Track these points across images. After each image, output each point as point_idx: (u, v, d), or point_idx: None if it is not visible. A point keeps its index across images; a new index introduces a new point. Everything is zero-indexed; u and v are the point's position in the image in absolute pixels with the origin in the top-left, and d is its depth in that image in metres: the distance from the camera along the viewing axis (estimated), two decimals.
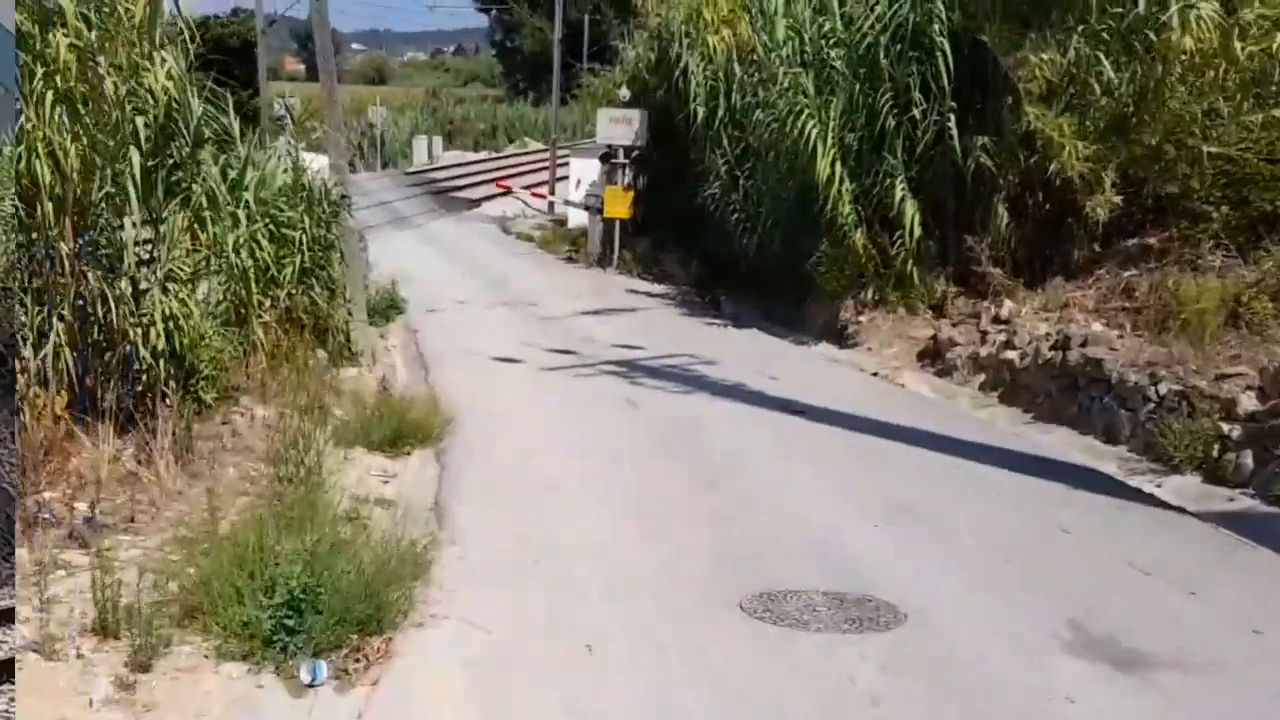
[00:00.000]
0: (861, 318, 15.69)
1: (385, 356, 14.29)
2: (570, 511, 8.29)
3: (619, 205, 23.37)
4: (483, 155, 53.74)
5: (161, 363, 8.68)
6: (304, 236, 11.48)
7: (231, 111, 11.46)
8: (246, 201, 10.77)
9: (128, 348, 8.58)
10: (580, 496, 8.69)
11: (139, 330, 8.55)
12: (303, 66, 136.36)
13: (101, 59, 7.95)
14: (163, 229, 9.12)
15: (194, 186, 9.75)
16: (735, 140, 19.89)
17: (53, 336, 7.95)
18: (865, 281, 15.93)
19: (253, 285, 10.75)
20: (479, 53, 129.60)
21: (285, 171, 12.29)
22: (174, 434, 8.14)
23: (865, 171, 15.96)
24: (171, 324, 8.81)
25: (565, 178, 34.63)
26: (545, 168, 43.41)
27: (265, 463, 8.26)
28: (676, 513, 8.26)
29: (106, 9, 8.09)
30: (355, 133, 54.27)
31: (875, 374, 13.80)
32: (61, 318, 8.09)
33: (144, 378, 8.73)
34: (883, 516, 8.13)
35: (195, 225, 9.81)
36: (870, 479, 9.25)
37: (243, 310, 10.81)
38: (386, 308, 17.26)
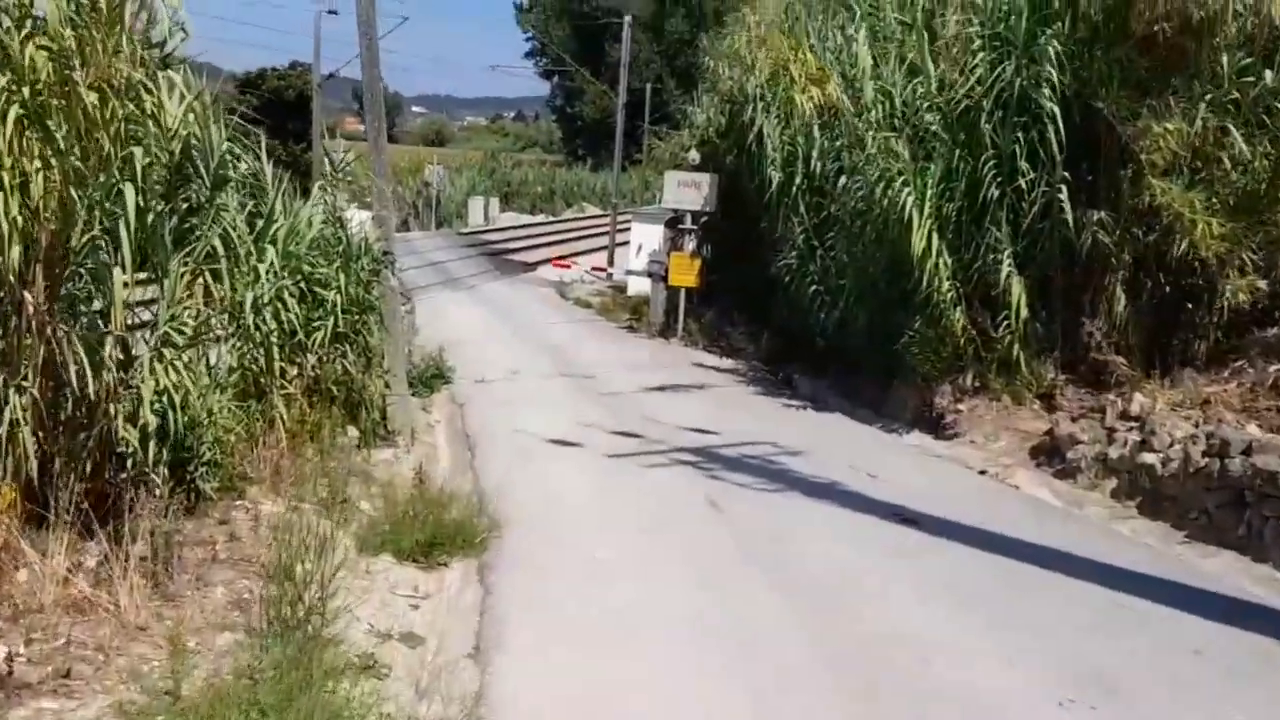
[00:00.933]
0: (961, 406, 13.80)
1: (426, 435, 12.57)
2: (651, 671, 6.31)
3: (685, 273, 21.67)
4: (540, 218, 52.40)
5: (150, 446, 6.97)
6: (339, 296, 9.78)
7: (264, 154, 9.90)
8: (272, 255, 9.11)
9: (109, 427, 6.87)
10: (666, 649, 6.65)
11: (123, 405, 6.84)
12: (362, 127, 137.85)
13: (78, 66, 6.23)
14: (166, 283, 7.45)
15: (209, 235, 8.13)
16: (814, 208, 18.20)
17: (9, 412, 6.26)
18: (964, 365, 14.07)
19: (275, 351, 9.08)
20: (538, 119, 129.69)
21: (324, 223, 10.59)
22: (153, 540, 6.41)
23: (965, 245, 14.18)
24: (167, 397, 7.10)
25: (625, 243, 33.14)
26: (604, 232, 41.98)
27: (265, 580, 6.48)
28: (793, 676, 6.32)
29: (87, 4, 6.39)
30: (410, 191, 53.31)
31: (984, 472, 11.91)
32: (22, 389, 6.39)
33: (128, 464, 7.03)
34: (1063, 689, 6.14)
35: (209, 280, 8.15)
36: (1028, 625, 7.33)
37: (262, 380, 9.15)
38: (431, 376, 15.60)
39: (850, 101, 16.36)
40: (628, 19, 34.57)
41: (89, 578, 6.03)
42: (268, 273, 8.99)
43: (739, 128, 21.33)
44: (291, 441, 9.36)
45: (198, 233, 8.16)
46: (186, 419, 7.55)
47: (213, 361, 8.53)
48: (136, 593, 5.83)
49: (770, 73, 19.72)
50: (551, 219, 52.91)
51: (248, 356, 9.03)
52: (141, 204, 7.14)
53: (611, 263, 32.19)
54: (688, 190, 21.62)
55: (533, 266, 34.11)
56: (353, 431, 10.54)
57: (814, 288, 17.48)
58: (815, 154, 18.12)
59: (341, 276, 9.82)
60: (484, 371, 17.15)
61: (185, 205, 8.16)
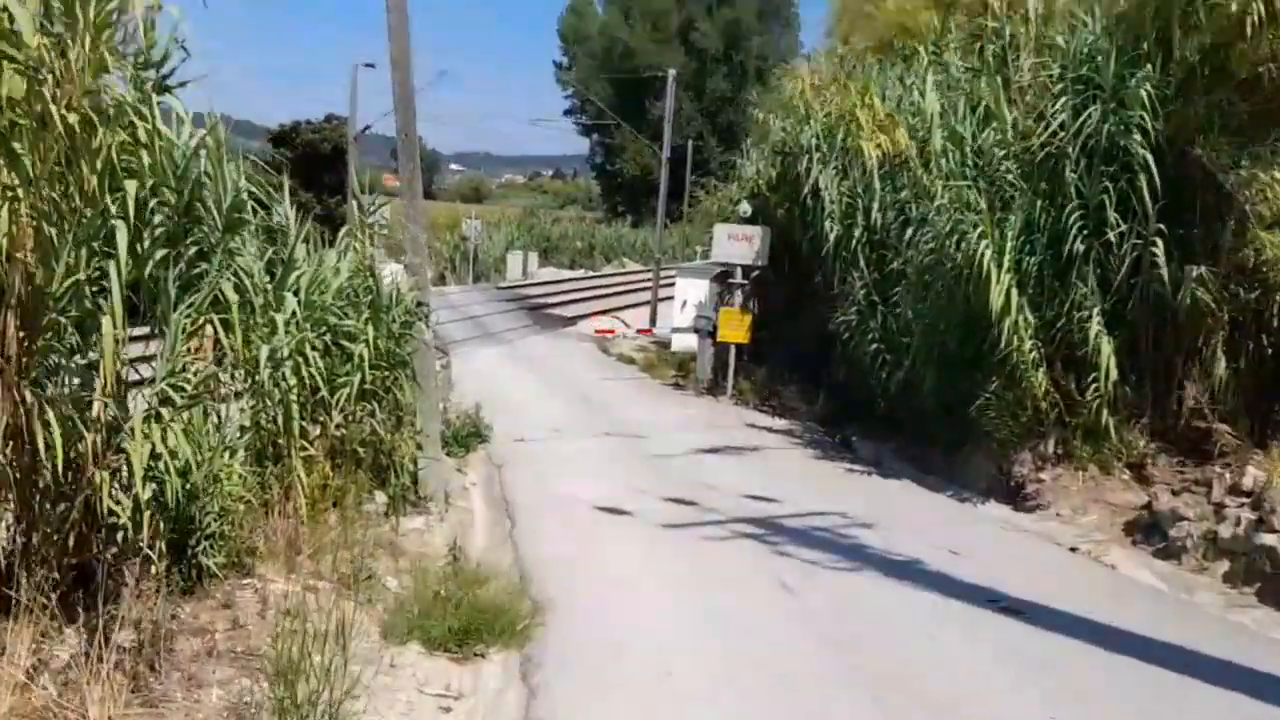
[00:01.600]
0: (1043, 475, 12.59)
1: (461, 499, 11.48)
2: None
3: (735, 329, 20.59)
4: (579, 273, 51.55)
5: (145, 518, 5.94)
6: (367, 350, 8.75)
7: (295, 205, 8.97)
8: (292, 305, 8.13)
9: (96, 496, 5.84)
10: None
11: (113, 472, 5.84)
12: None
13: (51, 83, 5.21)
14: (167, 334, 6.47)
15: (220, 281, 7.16)
16: (875, 263, 17.17)
17: None
18: (1045, 431, 12.89)
19: (294, 410, 8.06)
20: (577, 176, 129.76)
21: (353, 273, 9.58)
22: (139, 630, 5.36)
23: (1047, 302, 13.05)
24: (164, 463, 6.08)
25: (668, 299, 32.14)
26: (645, 288, 40.99)
27: (271, 680, 5.40)
28: None
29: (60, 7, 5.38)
30: (448, 246, 52.65)
31: (1075, 549, 10.68)
32: None
33: (119, 537, 6.01)
34: None
35: (219, 331, 7.15)
36: None
37: (280, 441, 8.13)
38: (467, 435, 14.54)
39: (917, 150, 15.37)
40: (671, 71, 33.76)
41: (57, 679, 4.97)
42: (288, 324, 8.01)
43: (791, 180, 20.39)
44: (312, 509, 8.35)
45: (209, 279, 7.22)
46: (188, 487, 6.54)
47: (224, 421, 7.50)
48: (111, 700, 4.75)
49: (826, 124, 18.84)
50: (591, 274, 52.03)
51: (264, 415, 8.02)
52: (139, 246, 6.24)
53: (654, 320, 31.14)
54: (738, 244, 20.60)
55: (573, 321, 33.11)
56: (380, 497, 9.47)
57: (875, 346, 16.43)
58: (876, 206, 17.14)
59: (370, 329, 8.78)
60: (524, 430, 16.09)
61: (194, 249, 7.21)
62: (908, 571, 9.28)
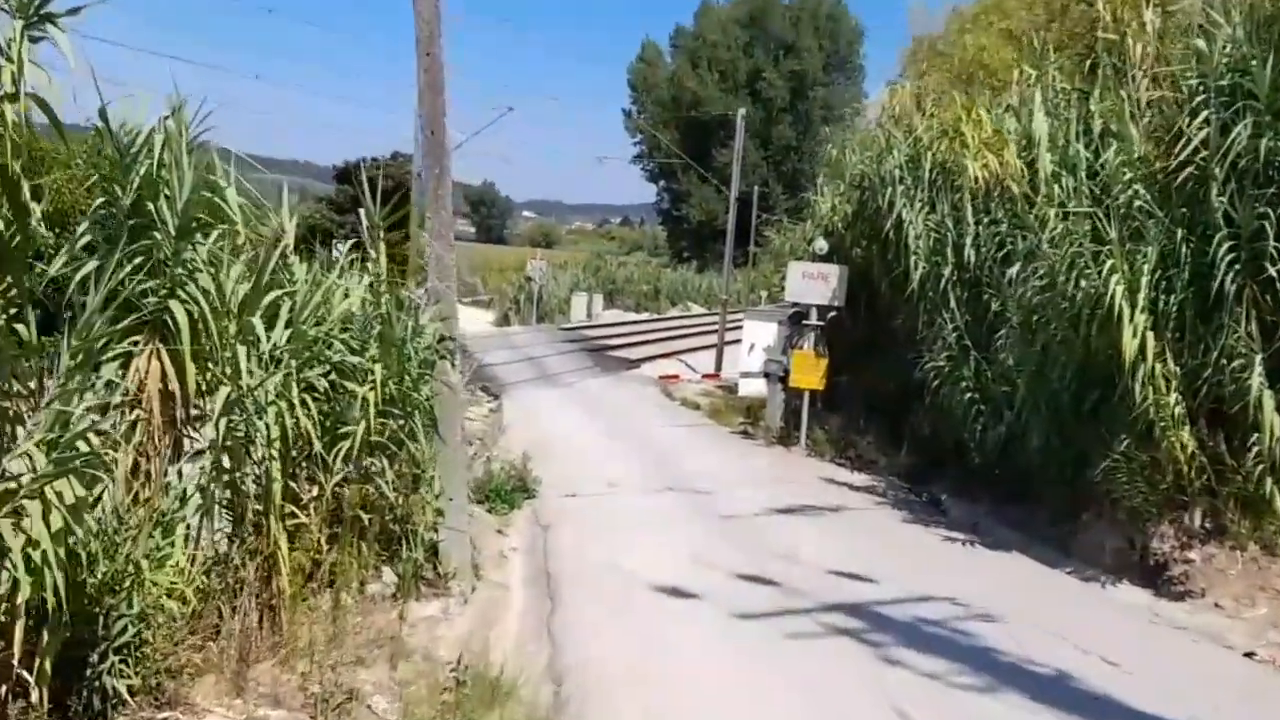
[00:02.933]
0: (1191, 554, 10.24)
1: (497, 570, 9.41)
2: None
3: (809, 374, 18.36)
4: (644, 316, 49.46)
5: (18, 627, 3.96)
6: (373, 394, 6.67)
7: (287, 208, 7.00)
8: (280, 334, 6.11)
9: None
10: None
11: None
12: (473, 229, 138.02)
13: None
14: (61, 365, 4.48)
15: (171, 303, 5.18)
16: (966, 303, 14.89)
17: None
18: (1190, 500, 10.55)
19: (275, 469, 6.03)
20: (644, 224, 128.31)
21: (373, 300, 7.52)
22: None
23: (1188, 348, 10.74)
24: (44, 553, 4.09)
25: (735, 342, 30.00)
26: (710, 330, 38.88)
27: None
28: None
29: None
30: (513, 287, 50.89)
31: (1251, 654, 8.34)
32: None
33: None
34: None
35: (165, 365, 5.17)
36: None
37: (257, 507, 6.11)
38: (512, 490, 12.49)
39: (1023, 176, 13.15)
40: (741, 111, 31.75)
41: None
42: (272, 359, 6.00)
43: (870, 215, 18.23)
44: (299, 592, 6.31)
45: (159, 299, 5.24)
46: (96, 580, 4.54)
47: (171, 486, 5.49)
48: None
49: (911, 153, 16.69)
50: (656, 316, 49.93)
51: (238, 476, 6.00)
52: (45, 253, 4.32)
53: (720, 365, 28.93)
54: (814, 283, 18.41)
55: (636, 364, 30.95)
56: (389, 575, 7.39)
57: (968, 395, 14.13)
58: (970, 240, 14.89)
59: (378, 368, 6.69)
60: (577, 483, 14.00)
61: (138, 260, 5.23)
62: (1058, 693, 7.00)
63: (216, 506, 6.01)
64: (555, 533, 11.35)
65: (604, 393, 25.30)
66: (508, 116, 62.13)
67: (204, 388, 5.62)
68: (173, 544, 5.20)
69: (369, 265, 7.54)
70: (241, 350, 5.44)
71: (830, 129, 24.65)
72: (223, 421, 5.42)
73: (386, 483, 7.00)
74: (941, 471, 15.57)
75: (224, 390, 5.38)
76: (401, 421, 7.06)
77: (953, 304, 14.87)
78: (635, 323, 45.41)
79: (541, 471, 13.61)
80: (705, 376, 25.43)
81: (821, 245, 18.57)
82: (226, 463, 5.96)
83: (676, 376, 25.41)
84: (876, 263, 18.03)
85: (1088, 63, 14.16)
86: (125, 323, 5.08)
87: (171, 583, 5.04)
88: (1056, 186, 12.46)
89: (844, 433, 18.43)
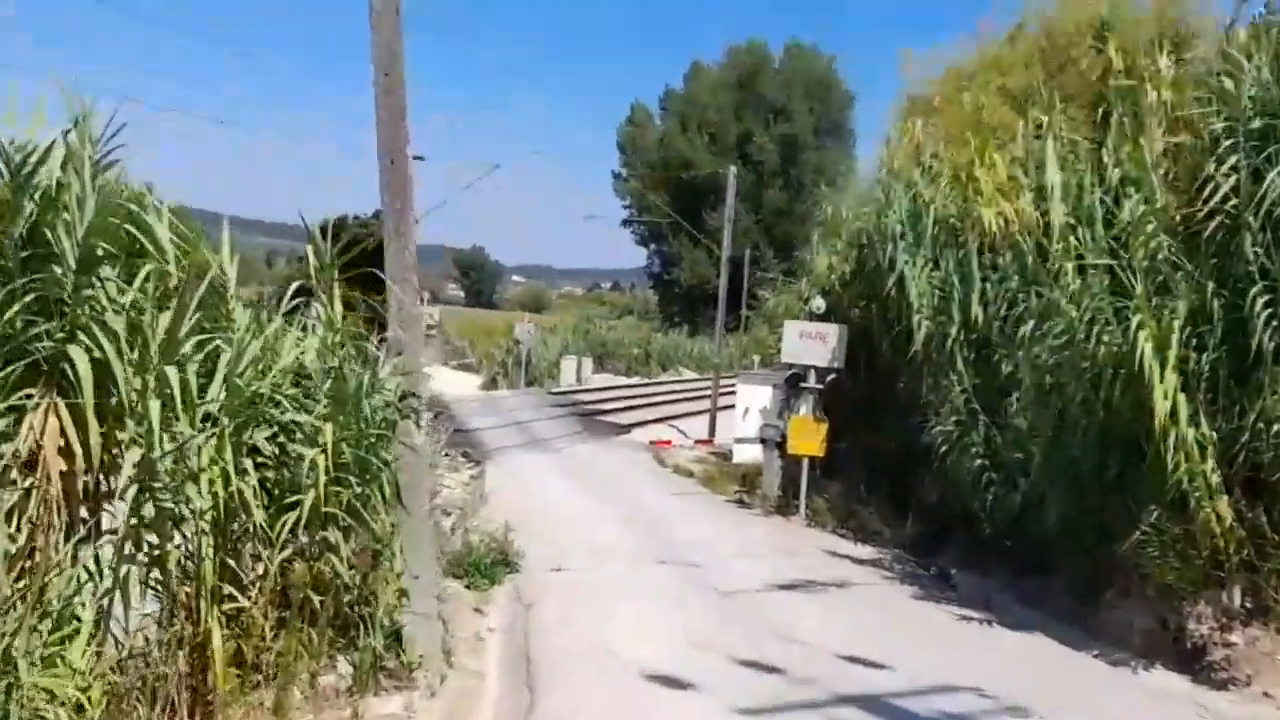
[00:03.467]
0: (1233, 636, 9.40)
1: (472, 657, 8.50)
2: None
3: (808, 439, 17.51)
4: (635, 380, 48.64)
5: None
6: (324, 459, 5.82)
7: (228, 246, 6.21)
8: (217, 390, 5.28)
9: None
10: None
11: None
12: (462, 293, 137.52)
13: None
14: None
15: (71, 348, 4.37)
16: (974, 365, 14.12)
17: None
18: (1228, 576, 9.71)
19: (208, 545, 5.20)
20: (635, 288, 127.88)
21: (328, 351, 6.68)
22: None
23: (1223, 411, 9.95)
24: None
25: (728, 407, 29.18)
26: (702, 395, 38.09)
27: None
28: None
29: None
30: (500, 350, 50.09)
31: None
32: None
33: None
34: None
35: (63, 423, 4.34)
36: None
37: (186, 589, 5.27)
38: (494, 564, 11.60)
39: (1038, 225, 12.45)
40: (732, 169, 31.26)
41: None
42: (203, 418, 5.17)
43: (869, 273, 17.56)
44: (242, 685, 5.44)
45: (56, 344, 4.43)
46: None
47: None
48: None
49: (913, 209, 16.01)
50: (647, 380, 49.10)
51: (163, 553, 5.15)
52: None
53: (714, 430, 28.07)
54: (812, 343, 17.64)
55: (627, 429, 30.06)
56: (344, 666, 6.49)
57: (978, 462, 13.32)
58: (978, 297, 14.14)
59: (328, 428, 5.84)
60: (563, 555, 13.10)
61: (30, 297, 4.43)
62: None
63: (136, 589, 5.15)
64: (538, 611, 10.44)
65: (593, 458, 24.40)
66: (494, 175, 61.67)
67: (115, 451, 4.79)
68: (67, 639, 4.34)
69: (321, 313, 6.69)
70: (154, 405, 4.57)
71: (825, 187, 23.96)
72: (134, 490, 4.57)
73: (341, 559, 6.13)
74: (950, 542, 14.74)
75: (133, 453, 4.53)
76: (359, 489, 6.20)
77: (960, 365, 14.11)
78: (626, 386, 44.61)
79: (526, 543, 12.72)
80: (698, 442, 24.56)
81: (819, 304, 17.82)
82: (153, 539, 5.13)
83: (668, 442, 24.56)
84: (876, 323, 17.32)
85: (1100, 111, 13.55)
86: (13, 370, 4.27)
87: (66, 690, 4.18)
88: (1072, 238, 11.76)
89: (845, 501, 17.56)
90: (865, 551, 15.07)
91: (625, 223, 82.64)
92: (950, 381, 13.99)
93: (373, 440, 6.27)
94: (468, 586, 11.29)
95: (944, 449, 13.95)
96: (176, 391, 4.63)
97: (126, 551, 4.82)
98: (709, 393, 33.65)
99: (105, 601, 4.72)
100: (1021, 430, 12.61)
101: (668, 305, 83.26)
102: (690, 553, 14.01)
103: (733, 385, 27.45)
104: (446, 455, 19.06)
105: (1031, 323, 12.21)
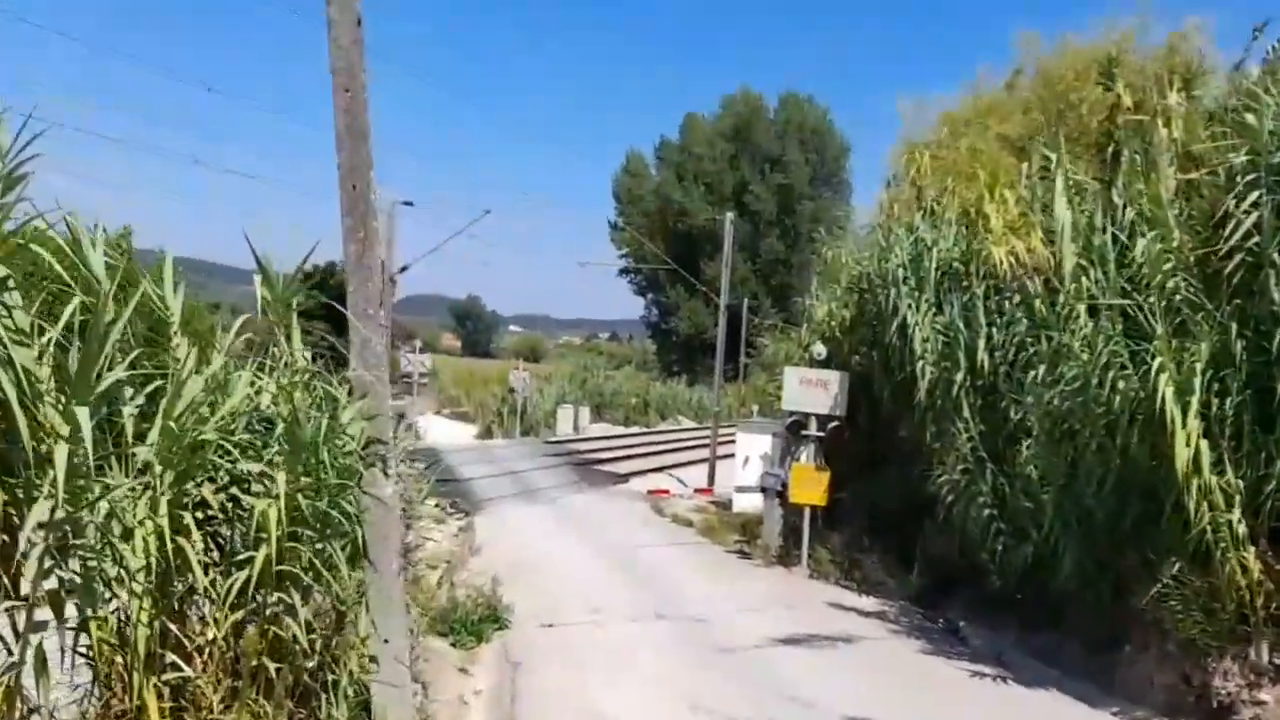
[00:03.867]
0: (1263, 695, 8.87)
1: None
2: None
3: (810, 488, 17.02)
4: (633, 429, 48.06)
5: None
6: (274, 510, 5.30)
7: (170, 278, 5.74)
8: (156, 438, 4.81)
9: None
10: None
11: None
12: (459, 343, 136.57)
13: None
14: None
15: None
16: (980, 412, 13.67)
17: None
18: (1254, 631, 9.20)
19: (142, 611, 4.71)
20: (632, 339, 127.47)
21: (283, 394, 6.11)
22: None
23: (1247, 458, 9.48)
24: None
25: (728, 456, 28.66)
26: (701, 444, 37.57)
27: None
28: None
29: None
30: (495, 400, 49.48)
31: None
32: None
33: None
34: None
35: None
36: None
37: (118, 660, 4.80)
38: (480, 620, 11.06)
39: (1050, 264, 12.05)
40: (729, 215, 30.96)
41: None
42: (133, 463, 4.70)
43: (870, 319, 17.20)
44: None
45: None
46: None
47: None
48: None
49: (914, 251, 15.62)
50: (645, 429, 48.51)
51: (93, 620, 4.66)
52: None
53: (713, 479, 27.52)
54: (813, 390, 17.20)
55: (624, 479, 29.52)
56: None
57: (986, 511, 12.84)
58: (983, 343, 13.71)
59: (281, 476, 5.32)
60: (556, 610, 12.57)
61: None
62: None
63: (57, 659, 4.66)
64: (528, 672, 9.89)
65: (589, 509, 23.87)
66: (487, 220, 61.23)
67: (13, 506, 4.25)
68: None
69: (274, 352, 6.13)
70: (61, 451, 4.03)
71: (823, 233, 23.57)
72: (40, 550, 4.05)
73: (299, 622, 5.60)
74: (956, 594, 14.24)
75: (39, 508, 4.00)
76: (319, 545, 5.69)
77: (966, 412, 13.64)
78: (623, 435, 44.07)
79: (516, 597, 12.19)
80: (698, 491, 23.97)
81: (820, 350, 17.41)
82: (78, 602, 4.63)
83: (667, 491, 23.99)
84: (878, 370, 16.90)
85: (1108, 152, 13.22)
86: None
87: None
88: (1085, 279, 11.35)
89: (848, 552, 17.05)
90: (870, 604, 14.54)
91: (623, 271, 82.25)
92: (956, 429, 13.53)
93: (334, 491, 5.75)
94: (454, 644, 10.76)
95: (950, 499, 13.49)
96: (87, 435, 4.06)
97: (38, 618, 4.28)
98: (708, 441, 33.14)
99: (8, 677, 4.17)
100: (1032, 479, 12.13)
101: (666, 354, 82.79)
102: (689, 606, 13.48)
103: (732, 434, 26.98)
104: (438, 506, 18.53)
105: (1042, 367, 11.79)
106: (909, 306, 15.23)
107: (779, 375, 20.41)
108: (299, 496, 5.35)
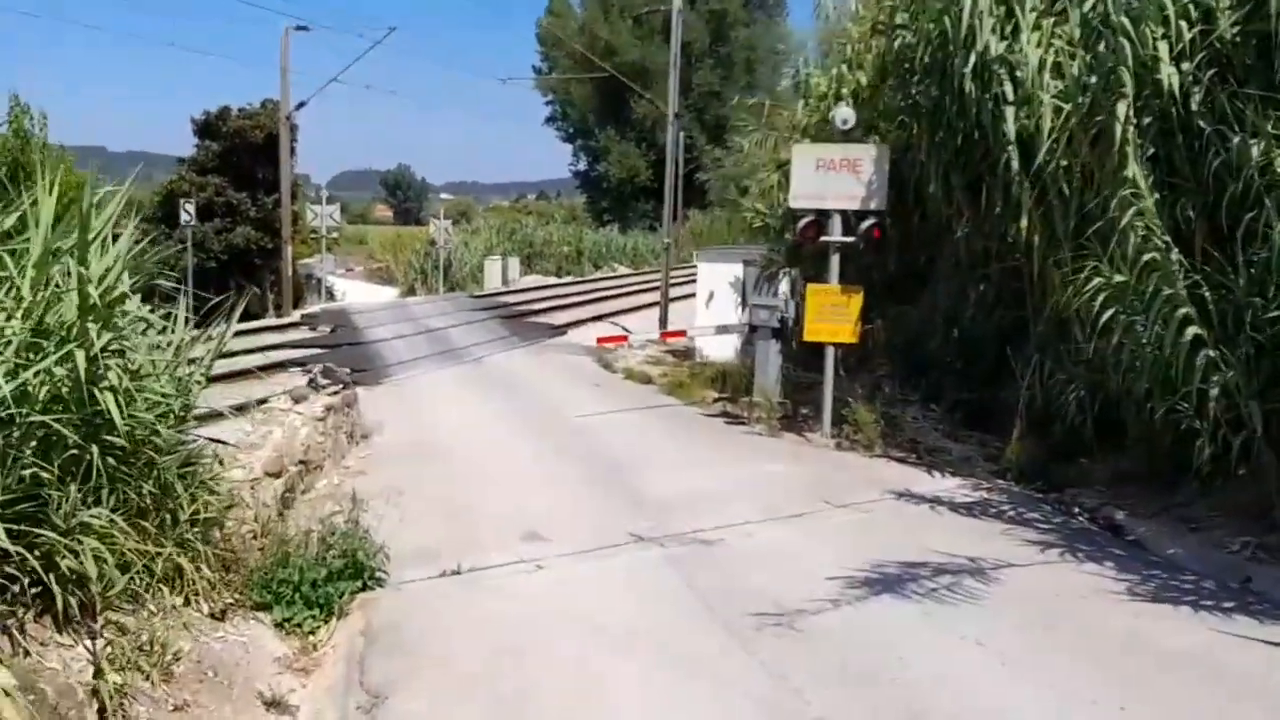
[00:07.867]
0: None
1: None
2: None
3: (834, 319, 11.29)
4: (567, 280, 41.83)
5: None
6: None
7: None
8: None
9: None
10: None
11: None
12: (390, 212, 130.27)
13: None
14: None
15: None
16: (1164, 164, 8.02)
17: None
18: None
19: None
20: (560, 196, 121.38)
21: None
22: None
23: None
24: None
25: (682, 297, 22.89)
26: (644, 289, 31.78)
27: None
28: None
29: None
30: (417, 255, 43.29)
31: None
32: None
33: None
34: None
35: None
36: None
37: None
38: (331, 576, 5.38)
39: None
40: (677, 2, 24.55)
41: None
42: None
43: (914, 67, 11.22)
44: None
45: None
46: None
47: None
48: None
49: None
50: (581, 279, 42.32)
51: None
52: None
53: (665, 323, 21.61)
54: (836, 176, 11.25)
55: (562, 330, 23.55)
56: None
57: (1191, 332, 7.20)
58: (1166, 49, 7.93)
59: None
60: (467, 532, 6.93)
61: None
62: None
63: None
64: (399, 700, 4.21)
65: (522, 368, 17.96)
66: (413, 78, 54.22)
67: None
68: None
69: None
70: None
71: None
72: None
73: None
74: (1098, 467, 8.78)
75: None
76: None
77: (1133, 168, 7.91)
78: (557, 285, 38.05)
79: (408, 513, 6.51)
80: (664, 335, 17.80)
81: (846, 115, 11.33)
82: None
83: (622, 338, 17.87)
84: (925, 142, 11.08)
85: None
86: None
87: None
88: None
89: (887, 410, 11.45)
90: (955, 487, 8.99)
91: (549, 120, 75.09)
92: (1124, 197, 7.80)
93: None
94: (280, 625, 5.11)
95: (1104, 317, 7.80)
96: None
97: None
98: (648, 287, 27.33)
99: None
100: (1255, 279, 6.57)
101: (596, 204, 76.26)
102: (681, 515, 7.81)
103: (692, 273, 21.21)
104: (308, 374, 12.63)
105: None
106: (987, 28, 9.44)
107: (734, 198, 14.56)
108: None
